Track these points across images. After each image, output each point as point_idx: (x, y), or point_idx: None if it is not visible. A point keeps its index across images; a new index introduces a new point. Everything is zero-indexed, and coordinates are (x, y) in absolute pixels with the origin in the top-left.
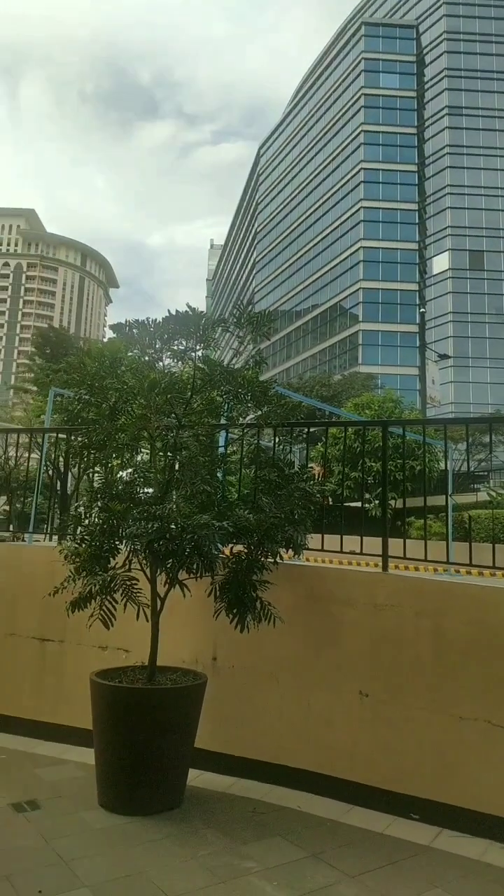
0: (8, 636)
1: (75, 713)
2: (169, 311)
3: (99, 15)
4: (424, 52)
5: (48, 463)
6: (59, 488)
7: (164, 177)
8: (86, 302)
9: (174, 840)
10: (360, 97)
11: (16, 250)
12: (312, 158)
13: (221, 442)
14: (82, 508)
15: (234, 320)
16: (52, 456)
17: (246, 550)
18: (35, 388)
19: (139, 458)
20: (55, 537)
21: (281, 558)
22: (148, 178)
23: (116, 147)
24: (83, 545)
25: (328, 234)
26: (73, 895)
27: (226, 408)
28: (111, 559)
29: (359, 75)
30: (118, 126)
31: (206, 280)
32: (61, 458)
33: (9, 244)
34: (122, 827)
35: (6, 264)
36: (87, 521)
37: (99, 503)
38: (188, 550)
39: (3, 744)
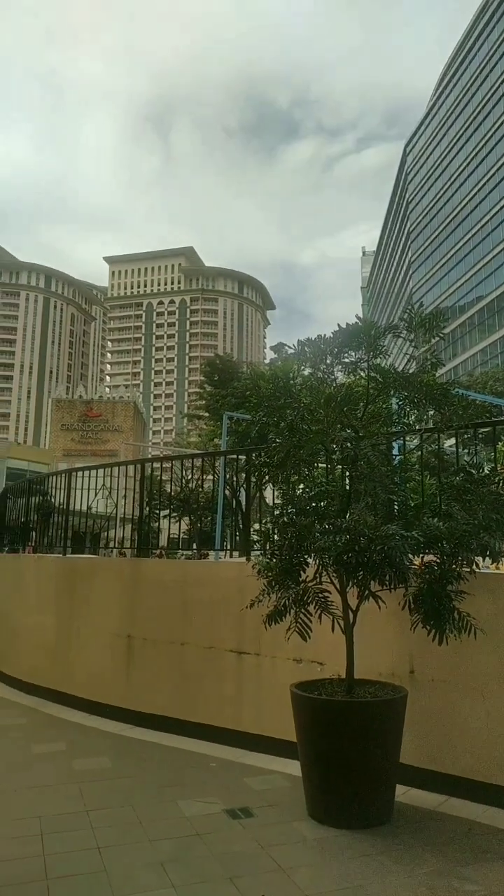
0: (207, 649)
1: (275, 724)
2: (339, 324)
3: (237, 51)
4: None
5: (226, 484)
6: (234, 507)
7: (310, 194)
8: (245, 327)
9: (389, 856)
10: None
11: (179, 287)
12: (462, 147)
13: (396, 450)
14: (269, 525)
15: (405, 324)
16: (229, 477)
17: (438, 560)
18: (206, 414)
19: (315, 472)
20: (236, 553)
21: (478, 567)
22: (295, 198)
23: (262, 174)
24: (273, 560)
25: (486, 223)
26: None
27: (402, 414)
28: (301, 572)
29: None
30: (262, 153)
31: (361, 288)
32: (237, 479)
33: (172, 283)
34: (335, 839)
35: (171, 301)
36: (275, 537)
37: (284, 518)
38: (378, 561)
39: (210, 752)
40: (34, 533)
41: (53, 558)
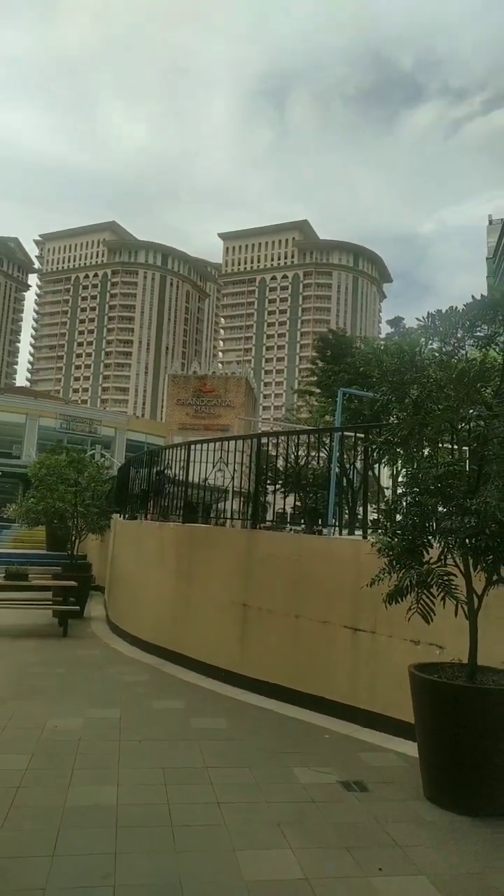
0: (322, 623)
1: (389, 703)
2: (473, 296)
3: (357, 15)
4: None
5: (337, 461)
6: (346, 485)
7: (432, 161)
8: (360, 301)
9: None
10: None
11: (292, 262)
12: None
13: None
14: (391, 504)
15: None
16: (342, 454)
17: None
18: (318, 391)
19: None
20: (348, 531)
21: None
22: (415, 166)
23: (381, 142)
24: (395, 539)
25: None
26: (411, 881)
27: None
28: (425, 553)
29: None
30: (382, 121)
31: (486, 259)
32: (349, 456)
33: (285, 257)
34: (454, 823)
35: (284, 277)
36: (398, 517)
37: (408, 498)
38: None
39: (323, 724)
40: (153, 501)
41: (173, 525)
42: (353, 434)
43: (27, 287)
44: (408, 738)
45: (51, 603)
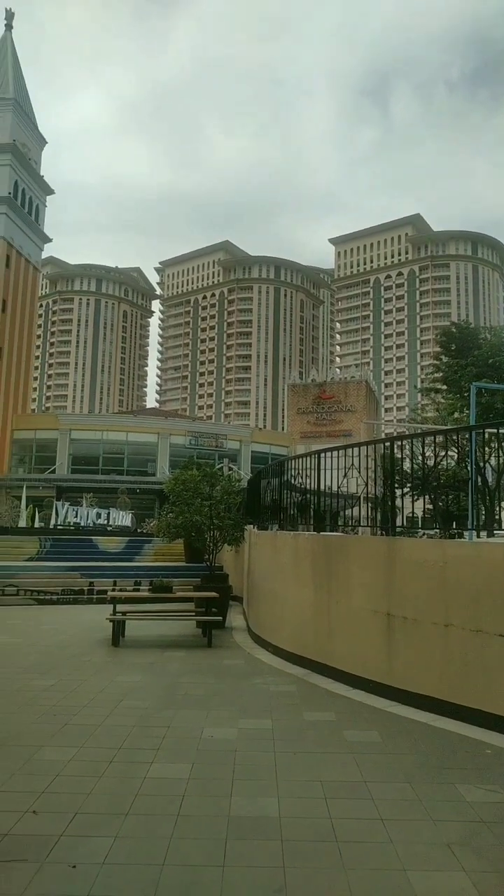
0: (474, 632)
1: None
2: None
3: None
4: None
5: (466, 460)
6: (481, 485)
7: None
8: (482, 290)
9: None
10: None
11: (406, 258)
12: None
13: None
14: None
15: None
16: (479, 453)
17: None
18: (444, 387)
19: None
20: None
21: None
22: None
23: (491, 123)
24: None
25: None
26: None
27: None
28: None
29: None
30: (489, 102)
31: None
32: (482, 453)
33: (399, 254)
34: None
35: (399, 274)
36: None
37: None
38: None
39: (484, 738)
40: (283, 511)
41: (308, 535)
42: (495, 430)
43: (151, 313)
44: None
45: (194, 614)
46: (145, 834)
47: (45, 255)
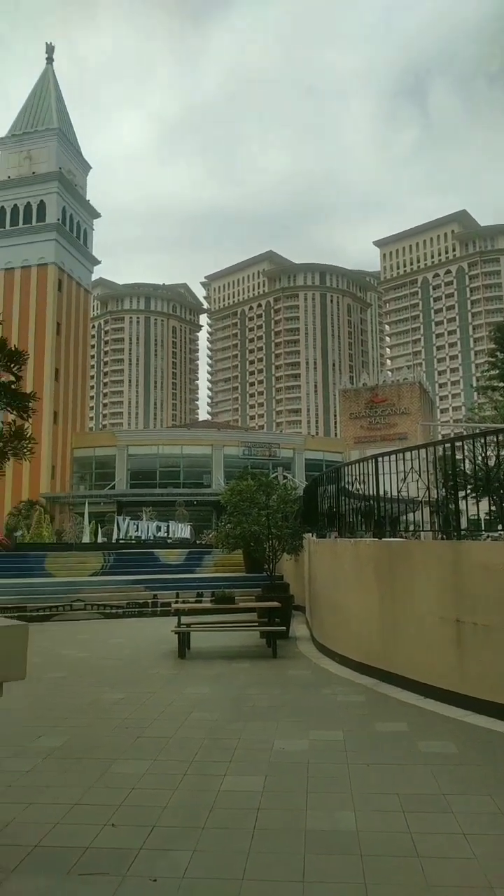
0: None
1: None
2: None
3: None
4: None
5: None
6: None
7: None
8: None
9: None
10: None
11: (454, 255)
12: None
13: None
14: None
15: None
16: None
17: None
18: (501, 384)
19: None
20: None
21: None
22: None
23: None
24: None
25: None
26: None
27: None
28: None
29: None
30: None
31: None
32: None
33: (446, 252)
34: None
35: (448, 272)
36: None
37: None
38: None
39: None
40: (342, 519)
41: (369, 542)
42: None
43: (199, 327)
44: None
45: (257, 624)
46: (223, 848)
47: (94, 276)
